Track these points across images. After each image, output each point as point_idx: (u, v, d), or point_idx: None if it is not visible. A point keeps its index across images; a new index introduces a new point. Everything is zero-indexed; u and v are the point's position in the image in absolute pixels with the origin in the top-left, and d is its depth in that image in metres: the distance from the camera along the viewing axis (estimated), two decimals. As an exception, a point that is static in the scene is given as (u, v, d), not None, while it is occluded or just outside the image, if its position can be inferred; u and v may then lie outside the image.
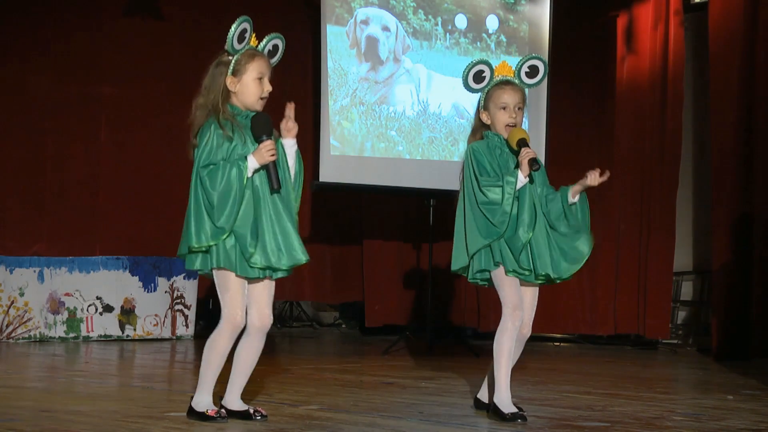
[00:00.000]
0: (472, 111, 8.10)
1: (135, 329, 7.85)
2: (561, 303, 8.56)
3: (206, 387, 3.79)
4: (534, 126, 8.23)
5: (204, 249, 3.67)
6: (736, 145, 7.39)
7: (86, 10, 8.22)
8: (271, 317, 3.89)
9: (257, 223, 3.69)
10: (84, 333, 7.67)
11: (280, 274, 3.79)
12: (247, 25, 3.84)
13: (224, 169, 3.64)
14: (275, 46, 3.96)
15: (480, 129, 4.25)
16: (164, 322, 7.97)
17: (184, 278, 8.05)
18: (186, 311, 8.08)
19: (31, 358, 6.48)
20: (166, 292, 7.98)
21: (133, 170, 8.35)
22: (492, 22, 8.14)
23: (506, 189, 4.03)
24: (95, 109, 8.25)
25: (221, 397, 3.86)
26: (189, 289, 8.08)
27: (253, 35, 3.88)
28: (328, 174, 7.72)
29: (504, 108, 4.18)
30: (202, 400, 3.78)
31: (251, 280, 3.76)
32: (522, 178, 4.05)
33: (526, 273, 4.04)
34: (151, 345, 7.54)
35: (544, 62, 4.37)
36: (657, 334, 8.12)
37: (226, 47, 3.83)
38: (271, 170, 3.72)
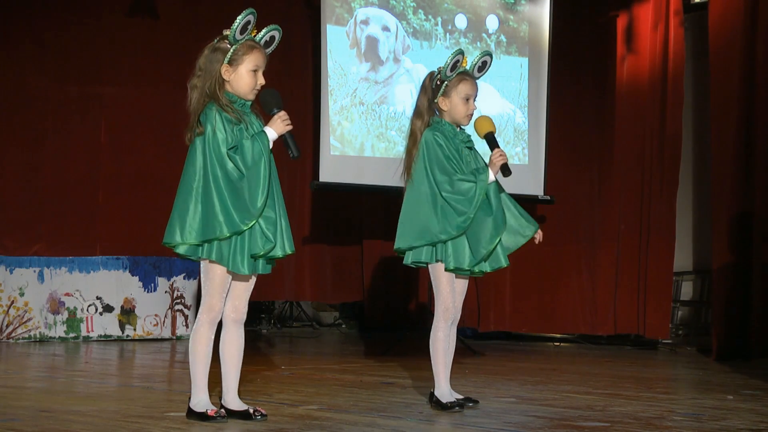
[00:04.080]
0: (472, 111, 8.17)
1: (135, 329, 7.85)
2: (561, 303, 8.56)
3: (200, 385, 3.78)
4: (534, 126, 8.23)
5: (228, 235, 3.64)
6: (736, 145, 7.38)
7: (86, 11, 8.22)
8: (246, 309, 3.87)
9: (277, 210, 3.73)
10: (84, 333, 7.67)
11: (266, 270, 3.82)
12: (251, 18, 3.87)
13: (250, 146, 3.67)
14: (272, 38, 4.00)
15: (428, 112, 4.32)
16: (164, 322, 7.97)
17: (184, 278, 8.05)
18: (186, 311, 8.08)
19: (31, 358, 6.48)
20: (166, 292, 7.98)
21: (133, 170, 8.35)
22: (492, 22, 8.14)
23: (478, 185, 4.13)
24: (95, 109, 8.25)
25: (220, 397, 3.86)
26: (189, 289, 8.09)
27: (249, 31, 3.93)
28: (328, 174, 7.72)
29: (467, 99, 4.29)
30: (201, 400, 3.77)
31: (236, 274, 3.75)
32: (491, 178, 4.19)
33: (467, 272, 4.20)
34: (151, 345, 7.54)
35: (491, 56, 4.49)
36: (657, 334, 8.12)
37: (227, 35, 3.85)
38: (289, 138, 3.77)
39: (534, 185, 8.19)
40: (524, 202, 8.14)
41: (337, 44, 7.78)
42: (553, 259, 8.53)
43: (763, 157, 7.24)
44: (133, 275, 7.88)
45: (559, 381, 5.57)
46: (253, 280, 3.85)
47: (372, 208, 9.28)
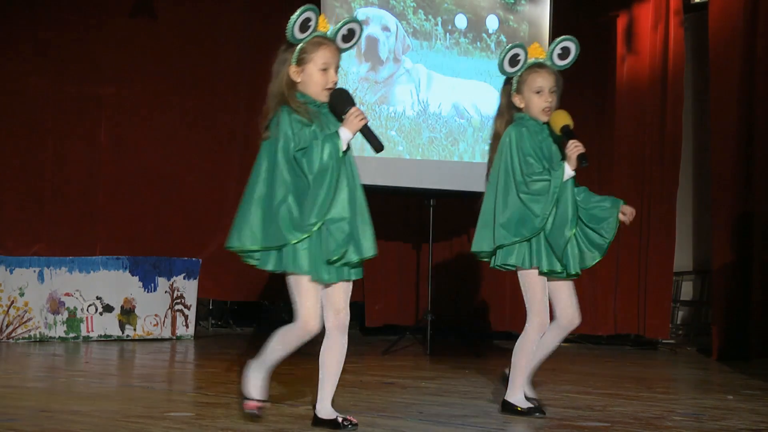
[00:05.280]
0: (472, 111, 8.17)
1: (135, 329, 7.85)
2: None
3: (264, 368, 3.72)
4: (534, 126, 8.23)
5: (282, 245, 3.47)
6: (736, 144, 7.38)
7: (86, 10, 8.22)
8: (347, 314, 3.66)
9: (353, 211, 3.54)
10: (84, 333, 7.67)
11: (353, 276, 3.59)
12: (311, 14, 3.63)
13: (319, 148, 3.45)
14: (351, 31, 3.73)
15: (508, 111, 4.15)
16: (164, 322, 7.97)
17: (184, 278, 8.05)
18: (186, 311, 8.08)
19: (31, 358, 6.48)
20: (166, 292, 7.98)
21: (133, 170, 8.35)
22: (492, 22, 8.14)
23: (553, 183, 3.94)
24: (95, 109, 8.25)
25: (313, 406, 3.75)
26: (189, 289, 8.09)
27: (324, 20, 3.69)
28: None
29: (539, 92, 4.09)
30: (252, 383, 3.70)
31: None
32: (569, 172, 3.97)
33: (560, 272, 4.01)
34: (151, 345, 7.54)
35: (575, 42, 4.21)
36: (657, 334, 8.12)
37: (287, 37, 3.66)
38: (368, 132, 3.56)
39: (534, 185, 8.18)
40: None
41: (337, 44, 7.78)
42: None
43: (763, 157, 7.24)
44: (133, 275, 7.88)
45: (559, 381, 5.57)
46: (349, 284, 3.63)
47: (372, 208, 9.27)
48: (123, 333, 7.80)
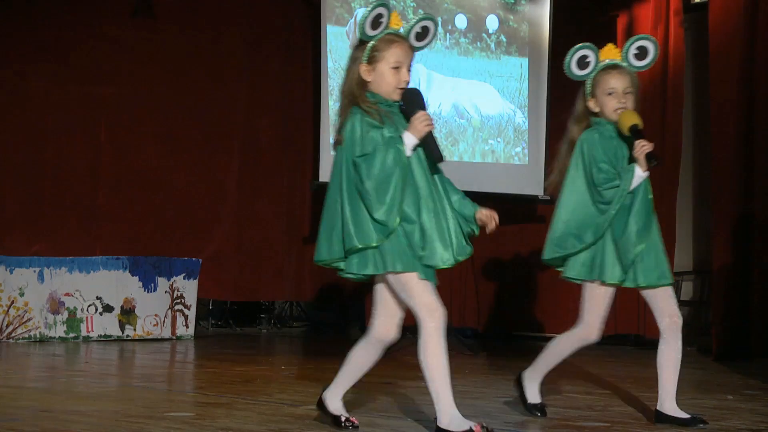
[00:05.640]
0: (472, 111, 8.17)
1: (135, 329, 7.85)
2: (561, 303, 8.55)
3: (444, 399, 3.41)
4: (534, 126, 8.23)
5: (365, 247, 3.33)
6: (736, 145, 7.38)
7: (86, 11, 8.22)
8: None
9: (420, 214, 3.38)
10: (84, 333, 7.67)
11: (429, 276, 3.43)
12: (383, 10, 3.46)
13: (381, 154, 3.31)
14: (425, 29, 3.59)
15: (585, 116, 4.01)
16: (164, 322, 7.97)
17: (184, 278, 8.05)
18: (186, 311, 8.08)
19: (31, 358, 6.48)
20: (166, 292, 7.98)
21: (133, 170, 8.36)
22: (492, 22, 8.14)
23: (622, 187, 3.75)
24: (95, 110, 8.26)
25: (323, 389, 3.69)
26: (189, 289, 8.08)
27: (396, 17, 3.55)
28: (327, 173, 7.68)
29: (611, 93, 3.90)
30: (452, 417, 3.38)
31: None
32: (640, 173, 3.75)
33: (620, 282, 3.87)
34: (151, 345, 7.54)
35: (654, 42, 4.00)
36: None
37: (357, 34, 3.50)
38: (430, 141, 3.40)
39: (534, 185, 8.18)
40: (524, 202, 8.20)
41: (337, 44, 7.78)
42: (553, 259, 8.51)
43: (763, 157, 7.23)
44: (133, 275, 7.88)
45: (558, 381, 5.56)
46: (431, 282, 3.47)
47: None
48: (123, 333, 7.80)
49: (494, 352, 7.60)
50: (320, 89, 7.78)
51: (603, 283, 3.87)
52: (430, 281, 3.41)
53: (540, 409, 4.08)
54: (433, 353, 3.39)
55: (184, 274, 8.07)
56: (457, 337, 7.46)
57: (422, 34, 3.58)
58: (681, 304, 8.73)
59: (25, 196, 7.97)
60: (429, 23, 3.59)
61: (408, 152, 3.36)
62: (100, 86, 8.27)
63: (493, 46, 8.12)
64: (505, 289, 8.68)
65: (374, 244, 3.33)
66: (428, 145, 3.41)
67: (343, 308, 10.15)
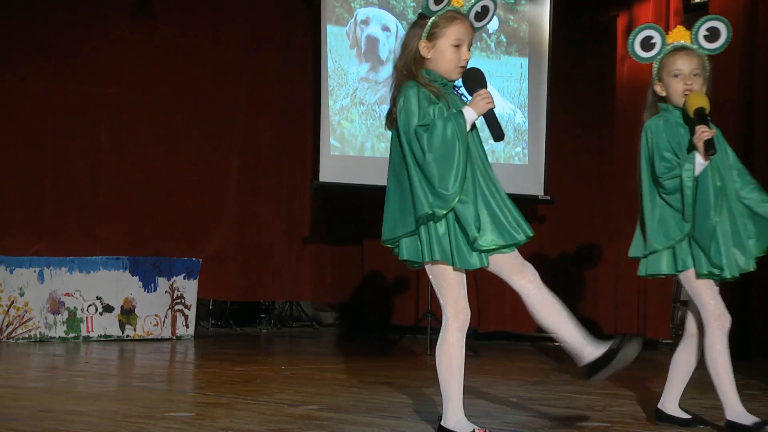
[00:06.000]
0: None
1: (135, 329, 7.85)
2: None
3: (457, 402, 3.34)
4: (534, 125, 8.23)
5: (435, 217, 3.24)
6: (735, 145, 7.37)
7: (86, 11, 8.22)
8: (533, 270, 3.48)
9: (477, 196, 3.30)
10: (84, 333, 7.66)
11: (507, 250, 3.35)
12: None
13: (441, 126, 3.23)
14: (484, 8, 3.47)
15: (654, 103, 3.81)
16: (164, 322, 7.96)
17: (184, 278, 8.05)
18: (186, 311, 8.07)
19: (31, 358, 6.48)
20: (166, 292, 7.98)
21: (134, 170, 8.36)
22: (492, 22, 8.13)
23: (684, 178, 3.56)
24: (95, 110, 8.26)
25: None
26: (189, 289, 8.08)
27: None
28: (328, 174, 7.72)
29: (677, 75, 3.69)
30: (459, 420, 3.34)
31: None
32: (701, 161, 3.55)
33: (718, 272, 3.59)
34: (151, 345, 7.54)
35: (726, 23, 3.77)
36: (657, 334, 8.12)
37: (421, 9, 3.36)
38: (492, 118, 3.31)
39: (534, 185, 8.19)
40: (524, 202, 8.19)
41: (337, 44, 7.78)
42: (553, 259, 8.53)
43: (763, 157, 7.24)
44: (133, 275, 7.88)
45: (558, 381, 5.57)
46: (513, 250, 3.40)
47: (372, 208, 9.26)
48: (123, 333, 7.80)
49: (494, 351, 7.60)
50: (320, 89, 7.79)
51: (700, 276, 3.63)
52: (474, 266, 3.33)
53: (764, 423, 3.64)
54: (450, 353, 3.34)
55: (184, 274, 8.06)
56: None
57: (482, 14, 3.48)
58: (681, 304, 8.79)
59: (26, 196, 7.97)
60: (489, 3, 3.49)
61: (468, 126, 3.30)
62: (100, 86, 8.27)
63: (493, 46, 8.12)
64: (506, 289, 8.66)
65: (443, 212, 3.24)
66: (490, 122, 3.33)
67: (344, 308, 10.15)
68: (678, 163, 3.59)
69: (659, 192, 3.67)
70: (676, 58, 3.71)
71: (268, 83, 8.98)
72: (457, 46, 3.36)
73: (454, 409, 3.35)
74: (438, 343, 3.37)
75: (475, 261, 3.31)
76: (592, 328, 8.93)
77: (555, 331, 3.55)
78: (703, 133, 3.52)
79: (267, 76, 8.98)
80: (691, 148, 3.58)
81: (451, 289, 3.35)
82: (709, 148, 3.51)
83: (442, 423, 3.37)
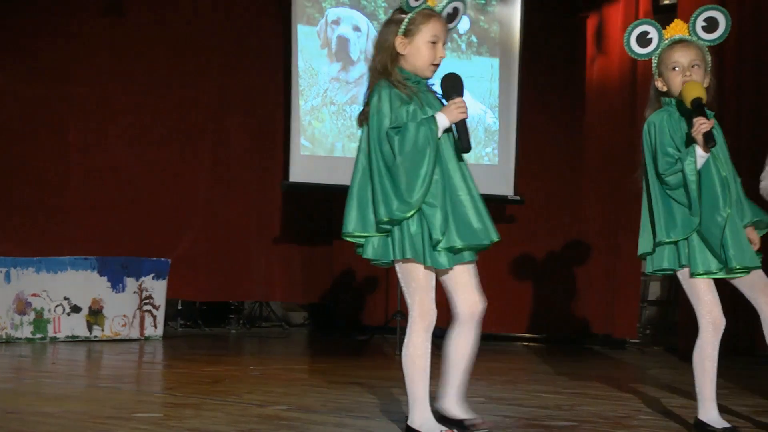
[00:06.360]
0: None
1: (103, 330, 7.80)
2: (530, 303, 8.59)
3: (423, 403, 3.34)
4: (504, 126, 8.26)
5: (393, 223, 3.26)
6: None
7: (56, 10, 8.18)
8: (484, 301, 3.49)
9: (446, 198, 3.31)
10: (51, 334, 7.61)
11: (468, 257, 3.37)
12: None
13: (414, 130, 3.24)
14: (456, 9, 3.50)
15: (657, 98, 3.75)
16: (132, 322, 7.91)
17: (152, 278, 8.01)
18: (155, 311, 8.03)
19: (-3, 359, 6.42)
20: (134, 292, 7.93)
21: (103, 170, 8.32)
22: (463, 23, 8.15)
23: (687, 173, 3.48)
24: (64, 109, 8.21)
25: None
26: (158, 290, 8.04)
27: None
28: (298, 174, 7.71)
29: (675, 68, 3.62)
30: (427, 420, 3.33)
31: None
32: (701, 154, 3.47)
33: (716, 270, 3.53)
34: (119, 346, 7.49)
35: (724, 13, 3.70)
36: (625, 334, 8.17)
37: (400, 4, 3.38)
38: (462, 128, 3.32)
39: (504, 185, 8.21)
40: (494, 202, 8.21)
41: (308, 44, 7.77)
42: (523, 258, 8.56)
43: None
44: (101, 275, 7.82)
45: (527, 381, 5.59)
46: (473, 267, 3.45)
47: (342, 208, 9.27)
48: (91, 334, 7.75)
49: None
50: (291, 89, 7.77)
51: (694, 275, 3.56)
52: (443, 266, 3.32)
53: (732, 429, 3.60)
54: (416, 354, 3.33)
55: (153, 275, 8.02)
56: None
57: (453, 15, 3.50)
58: (648, 303, 8.85)
59: (-8, 196, 7.91)
60: (459, 4, 3.51)
61: (439, 133, 3.31)
62: (68, 85, 8.22)
63: (464, 46, 8.14)
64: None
65: (405, 216, 3.25)
66: (460, 133, 3.34)
67: (313, 308, 10.14)
68: (679, 157, 3.53)
69: (665, 189, 3.59)
70: (673, 52, 3.66)
71: (239, 83, 8.96)
72: (433, 42, 3.37)
73: (420, 410, 3.34)
74: (404, 343, 3.37)
75: (443, 261, 3.31)
76: (563, 328, 9.00)
77: (449, 371, 3.50)
78: (702, 125, 3.46)
79: (237, 76, 8.95)
80: (691, 140, 3.52)
81: (419, 290, 3.33)
82: (709, 140, 3.45)
83: (409, 423, 3.37)
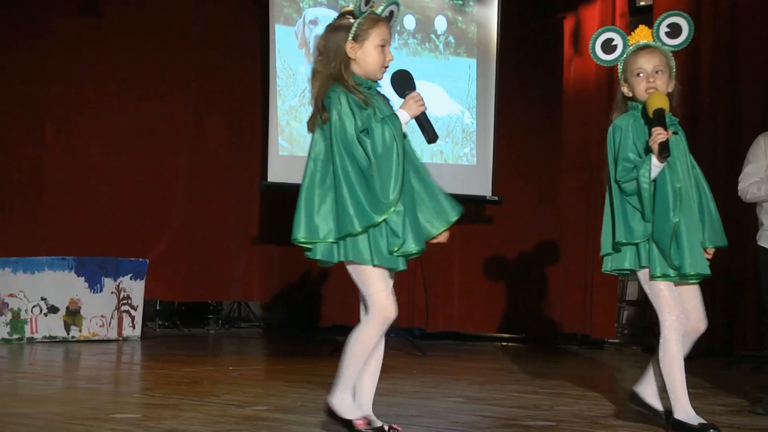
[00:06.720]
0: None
1: (80, 330, 7.76)
2: (508, 303, 8.61)
3: (347, 383, 3.43)
4: (482, 126, 8.27)
5: (360, 232, 3.29)
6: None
7: (32, 9, 8.13)
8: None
9: (407, 196, 3.34)
10: (28, 334, 7.56)
11: (402, 266, 3.39)
12: None
13: (380, 130, 3.29)
14: (391, 12, 3.54)
15: (623, 103, 3.78)
16: (110, 323, 7.88)
17: (130, 279, 7.98)
18: (132, 312, 8.00)
19: (-27, 360, 6.38)
20: (112, 292, 7.89)
21: (80, 170, 8.28)
22: (440, 23, 8.17)
23: (641, 182, 3.53)
24: (40, 109, 8.18)
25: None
26: (136, 290, 8.01)
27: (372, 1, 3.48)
28: (276, 174, 7.70)
29: (640, 74, 3.68)
30: (345, 401, 3.43)
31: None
32: (656, 163, 3.53)
33: (673, 275, 3.59)
34: (97, 346, 7.46)
35: (686, 18, 3.81)
36: (603, 334, 8.20)
37: (352, 8, 3.43)
38: (424, 120, 3.40)
39: (482, 186, 8.23)
40: (472, 202, 8.23)
41: (286, 44, 7.76)
42: (501, 259, 8.59)
43: (705, 156, 7.34)
44: (78, 276, 7.78)
45: (506, 381, 5.60)
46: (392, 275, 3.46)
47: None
48: (68, 334, 7.71)
49: (442, 351, 7.63)
50: (268, 89, 7.76)
51: (654, 277, 3.63)
52: (398, 268, 3.38)
53: (712, 426, 3.66)
54: (364, 343, 3.40)
55: (131, 275, 7.99)
56: (405, 337, 7.47)
57: (389, 18, 3.54)
58: (627, 303, 8.90)
59: (-32, 196, 7.87)
60: (394, 7, 3.55)
61: (403, 128, 3.36)
62: (45, 85, 8.18)
63: (441, 46, 8.15)
64: (453, 289, 8.72)
65: (380, 220, 3.28)
66: (423, 124, 3.40)
67: (292, 308, 10.13)
68: (636, 165, 3.59)
69: (621, 194, 3.65)
70: (638, 58, 3.72)
71: (217, 83, 8.94)
72: (382, 46, 3.43)
73: (344, 393, 3.44)
74: (356, 328, 3.41)
75: (397, 264, 3.37)
76: (541, 329, 9.02)
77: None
78: (659, 135, 3.51)
79: (215, 75, 8.93)
80: (648, 149, 3.57)
81: (374, 283, 3.37)
82: (663, 150, 3.50)
83: (328, 398, 3.45)
